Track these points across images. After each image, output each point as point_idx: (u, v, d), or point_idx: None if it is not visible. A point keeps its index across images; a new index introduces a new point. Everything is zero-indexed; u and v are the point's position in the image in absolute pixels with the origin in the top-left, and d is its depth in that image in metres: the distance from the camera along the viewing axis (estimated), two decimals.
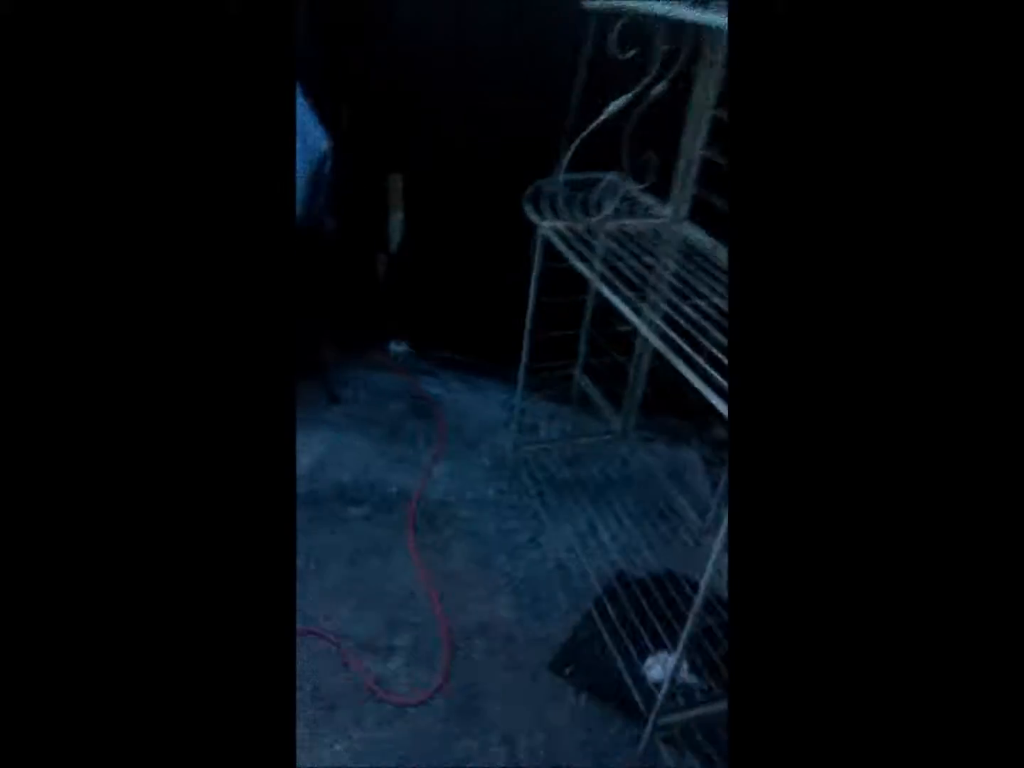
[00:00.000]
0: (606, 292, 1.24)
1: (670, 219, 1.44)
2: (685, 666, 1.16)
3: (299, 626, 1.22)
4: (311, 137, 1.53)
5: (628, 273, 1.24)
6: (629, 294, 1.20)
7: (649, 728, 1.06)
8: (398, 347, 2.11)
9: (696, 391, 0.89)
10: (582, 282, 1.34)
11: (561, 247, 1.41)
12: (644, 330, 1.13)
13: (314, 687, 1.14)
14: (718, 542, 0.88)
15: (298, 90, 1.52)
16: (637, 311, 1.15)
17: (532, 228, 1.44)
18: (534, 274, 1.58)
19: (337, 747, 1.07)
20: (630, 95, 1.41)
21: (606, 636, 1.25)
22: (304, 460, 1.62)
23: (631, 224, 1.42)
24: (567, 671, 1.21)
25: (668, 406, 1.73)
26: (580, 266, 1.33)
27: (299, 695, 1.11)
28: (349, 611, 1.26)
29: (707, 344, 0.97)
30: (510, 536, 1.49)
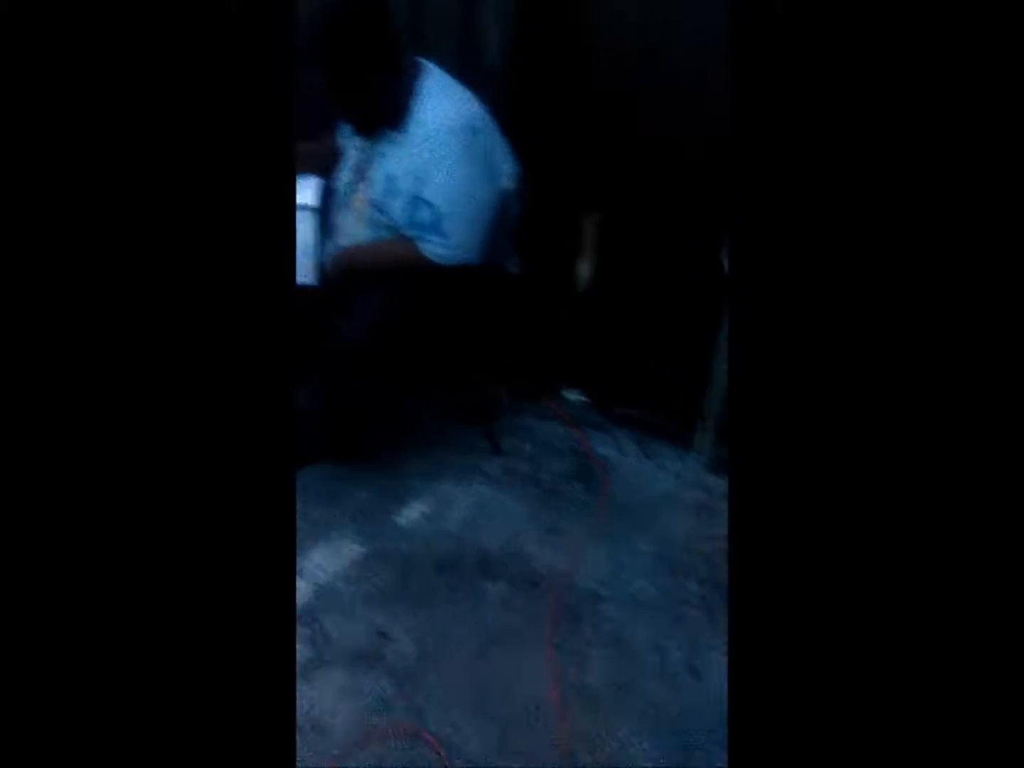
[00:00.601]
0: None
1: None
2: None
3: (410, 724, 1.11)
4: (500, 170, 1.43)
5: None
6: None
7: None
8: (573, 396, 1.95)
9: None
10: None
11: None
12: None
13: None
14: None
15: (490, 118, 1.43)
16: None
17: None
18: (725, 337, 1.32)
19: None
20: None
21: None
22: (455, 514, 1.53)
23: None
24: None
25: None
26: None
27: None
28: (463, 715, 1.13)
29: None
30: (665, 654, 1.25)
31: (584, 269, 1.86)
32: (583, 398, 1.97)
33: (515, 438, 1.77)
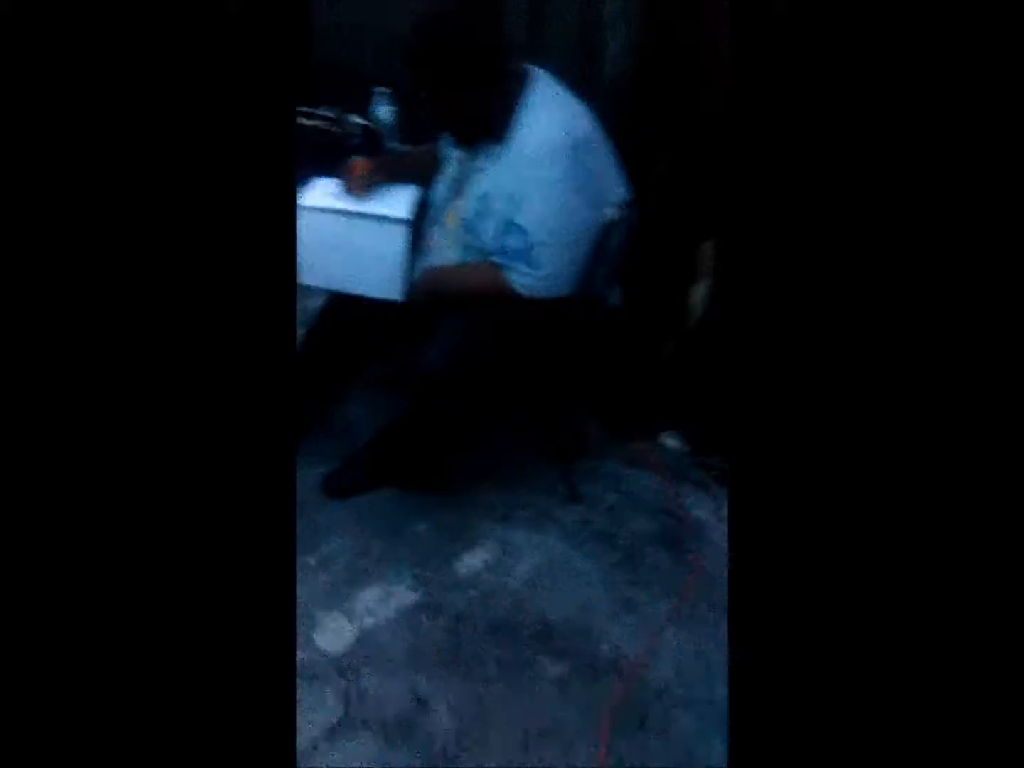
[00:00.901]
0: None
1: None
2: None
3: None
4: (606, 196, 1.26)
5: None
6: None
7: None
8: (670, 441, 1.75)
9: None
10: None
11: None
12: None
13: None
14: None
15: (602, 134, 1.27)
16: None
17: None
18: None
19: None
20: None
21: None
22: (519, 569, 1.38)
23: None
24: None
25: None
26: None
27: None
28: None
29: None
30: None
31: (697, 302, 1.66)
32: (681, 446, 1.76)
33: (598, 485, 1.60)
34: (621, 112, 1.38)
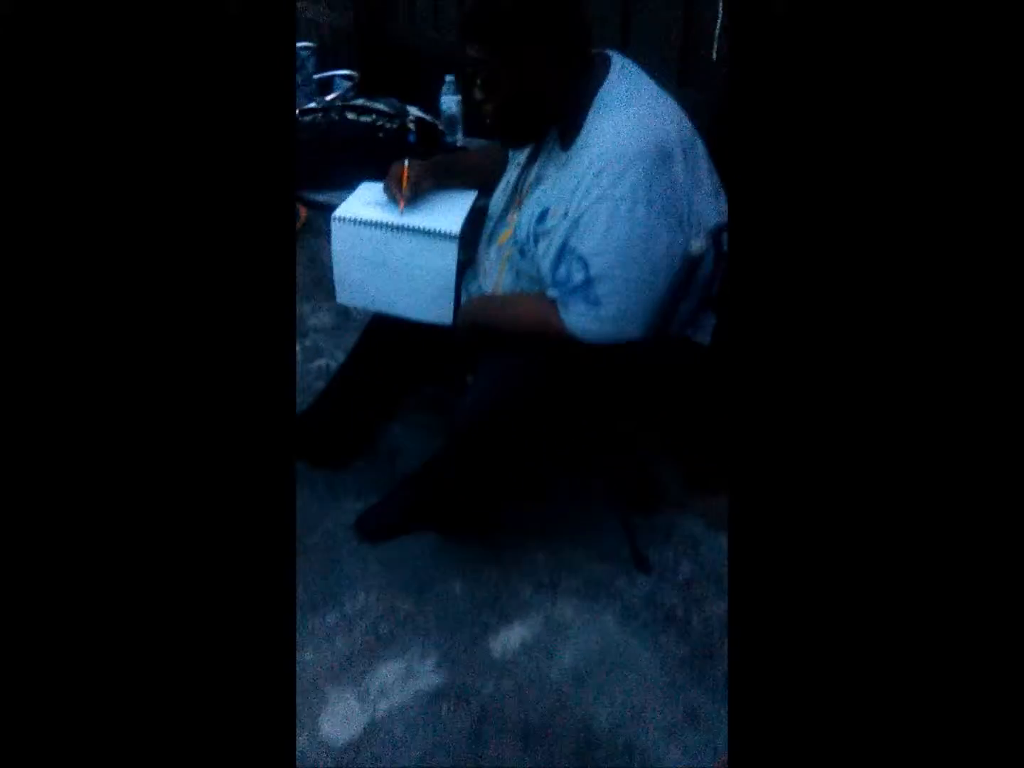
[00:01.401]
0: None
1: None
2: None
3: None
4: (697, 218, 0.99)
5: None
6: None
7: None
8: None
9: None
10: None
11: None
12: None
13: None
14: None
15: (696, 139, 1.01)
16: None
17: None
18: None
19: None
20: None
21: None
22: (564, 656, 1.16)
23: None
24: None
25: None
26: None
27: None
28: None
29: None
30: None
31: None
32: None
33: (670, 550, 1.35)
34: (722, 105, 1.11)
